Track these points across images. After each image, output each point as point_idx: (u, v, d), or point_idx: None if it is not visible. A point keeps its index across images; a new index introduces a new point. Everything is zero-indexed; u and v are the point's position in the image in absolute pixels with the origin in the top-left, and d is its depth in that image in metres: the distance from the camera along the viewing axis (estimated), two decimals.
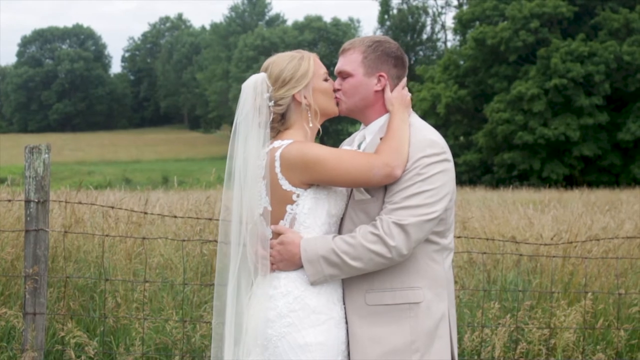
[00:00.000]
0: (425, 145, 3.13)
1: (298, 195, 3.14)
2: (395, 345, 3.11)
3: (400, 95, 3.25)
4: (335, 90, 3.32)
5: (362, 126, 3.40)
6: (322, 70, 3.29)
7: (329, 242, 3.09)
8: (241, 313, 3.19)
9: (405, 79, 3.34)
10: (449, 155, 3.19)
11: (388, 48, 3.28)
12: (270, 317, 3.11)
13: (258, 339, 3.14)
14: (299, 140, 3.18)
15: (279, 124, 3.24)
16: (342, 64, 3.30)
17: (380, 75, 3.26)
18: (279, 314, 3.10)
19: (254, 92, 3.22)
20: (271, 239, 3.18)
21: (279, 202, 3.16)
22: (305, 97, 3.23)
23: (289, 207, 3.16)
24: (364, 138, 3.32)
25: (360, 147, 3.30)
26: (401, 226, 3.03)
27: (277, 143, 3.18)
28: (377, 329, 3.12)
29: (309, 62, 3.25)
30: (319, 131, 3.34)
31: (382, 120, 3.28)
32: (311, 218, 3.16)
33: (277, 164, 3.13)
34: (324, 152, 3.11)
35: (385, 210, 3.10)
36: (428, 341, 3.13)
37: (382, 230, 3.04)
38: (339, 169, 3.09)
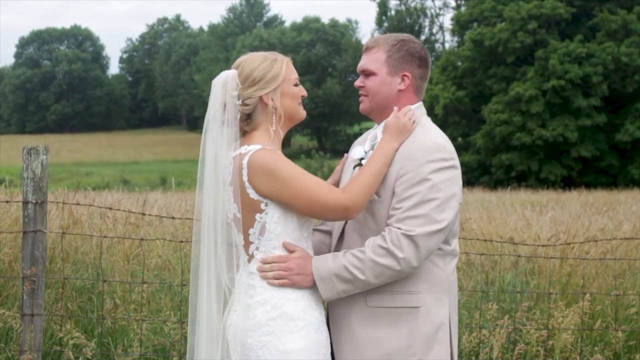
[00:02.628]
0: (432, 149, 3.10)
1: (266, 204, 3.10)
2: (392, 349, 3.10)
3: (398, 122, 3.18)
4: (358, 88, 3.31)
5: (375, 125, 3.37)
6: (294, 75, 3.24)
7: (339, 258, 3.07)
8: (213, 316, 3.18)
9: (420, 103, 3.30)
10: (456, 161, 3.15)
11: (412, 47, 3.25)
12: (249, 327, 3.10)
13: (237, 348, 3.14)
14: (267, 149, 3.12)
15: (245, 123, 3.19)
16: (365, 62, 3.27)
17: (405, 75, 3.23)
18: (257, 323, 3.09)
19: (223, 88, 3.17)
20: (275, 255, 3.13)
21: (248, 211, 3.12)
22: (272, 100, 3.18)
23: (257, 216, 3.11)
24: (376, 138, 3.28)
25: (373, 147, 3.26)
26: (410, 237, 3.00)
27: (244, 149, 3.13)
28: (376, 331, 3.12)
29: (282, 66, 3.21)
30: (291, 130, 3.29)
31: None
32: (281, 226, 3.12)
33: (245, 172, 3.08)
34: (291, 171, 3.06)
35: (394, 218, 3.06)
36: (426, 346, 3.11)
37: (391, 242, 3.01)
38: (300, 194, 3.04)
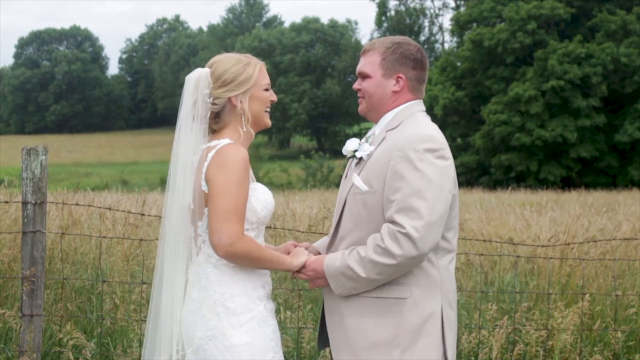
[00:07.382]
0: (421, 140, 3.15)
1: None
2: (378, 339, 3.16)
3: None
4: (356, 90, 3.38)
5: (373, 125, 3.44)
6: (265, 80, 3.30)
7: (346, 257, 3.16)
8: (173, 310, 3.22)
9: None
10: (447, 152, 3.19)
11: (407, 50, 3.32)
12: (197, 321, 3.16)
13: (190, 341, 3.19)
14: (235, 144, 3.17)
15: (213, 121, 3.25)
16: (362, 65, 3.36)
17: (399, 77, 3.30)
18: (203, 317, 3.15)
19: (195, 86, 3.24)
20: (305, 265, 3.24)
21: (199, 203, 3.17)
22: (241, 102, 3.23)
23: (206, 210, 3.15)
24: (374, 133, 3.36)
25: (367, 140, 3.34)
26: (405, 234, 3.05)
27: (214, 142, 3.19)
28: (364, 320, 3.18)
29: (254, 70, 3.26)
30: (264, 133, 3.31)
31: (391, 115, 3.32)
32: None
33: (206, 164, 3.14)
34: (235, 177, 3.09)
35: (388, 213, 3.11)
36: (412, 338, 3.15)
37: (389, 239, 3.07)
38: (220, 197, 3.07)
